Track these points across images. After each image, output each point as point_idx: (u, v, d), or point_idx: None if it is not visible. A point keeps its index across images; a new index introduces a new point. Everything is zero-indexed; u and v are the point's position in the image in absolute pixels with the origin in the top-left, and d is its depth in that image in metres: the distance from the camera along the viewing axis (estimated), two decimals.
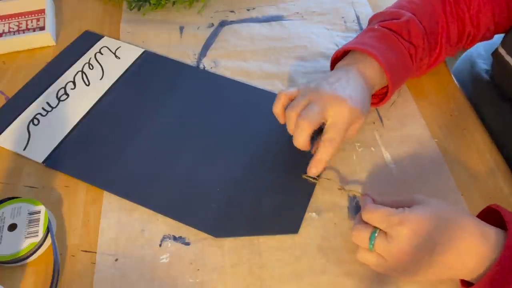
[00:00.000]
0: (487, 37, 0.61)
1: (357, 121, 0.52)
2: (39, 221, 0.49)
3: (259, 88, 0.64)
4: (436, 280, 0.47)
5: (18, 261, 0.47)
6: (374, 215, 0.44)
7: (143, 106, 0.62)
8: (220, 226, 0.51)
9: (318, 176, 0.54)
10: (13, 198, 0.51)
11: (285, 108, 0.52)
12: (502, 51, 0.57)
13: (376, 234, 0.43)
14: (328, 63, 0.67)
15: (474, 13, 0.57)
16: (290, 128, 0.52)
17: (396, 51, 0.55)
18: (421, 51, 0.57)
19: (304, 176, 0.54)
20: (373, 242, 0.43)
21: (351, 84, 0.52)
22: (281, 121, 0.54)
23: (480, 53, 0.69)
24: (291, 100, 0.52)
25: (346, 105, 0.49)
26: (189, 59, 0.68)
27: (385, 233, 0.43)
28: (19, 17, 0.74)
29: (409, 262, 0.42)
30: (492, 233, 0.41)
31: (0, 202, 0.50)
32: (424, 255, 0.42)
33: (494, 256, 0.40)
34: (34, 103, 0.62)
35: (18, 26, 0.73)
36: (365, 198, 0.47)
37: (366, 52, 0.54)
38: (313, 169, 0.51)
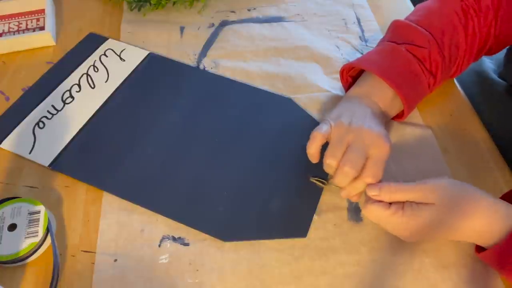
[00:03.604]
0: (501, 49, 0.61)
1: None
2: (39, 221, 0.49)
3: (265, 90, 0.64)
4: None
5: (18, 261, 0.47)
6: (403, 190, 0.45)
7: (148, 108, 0.62)
8: (229, 230, 0.51)
9: (326, 180, 0.54)
10: (13, 198, 0.51)
11: (320, 148, 0.51)
12: None
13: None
14: (327, 65, 0.67)
15: (498, 30, 0.57)
16: (330, 172, 0.50)
17: (417, 80, 0.55)
18: (439, 81, 0.58)
19: (311, 179, 0.54)
20: None
21: (379, 119, 0.53)
22: (314, 161, 0.52)
23: None
24: (327, 139, 0.51)
25: (386, 143, 0.49)
26: (189, 59, 0.68)
27: (411, 205, 0.45)
28: (19, 17, 0.74)
29: (427, 230, 0.45)
30: (503, 206, 0.45)
31: (0, 202, 0.50)
32: (443, 225, 0.44)
33: (506, 229, 0.43)
34: (39, 106, 0.62)
35: (18, 26, 0.73)
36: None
37: (389, 84, 0.54)
38: (355, 198, 0.50)
